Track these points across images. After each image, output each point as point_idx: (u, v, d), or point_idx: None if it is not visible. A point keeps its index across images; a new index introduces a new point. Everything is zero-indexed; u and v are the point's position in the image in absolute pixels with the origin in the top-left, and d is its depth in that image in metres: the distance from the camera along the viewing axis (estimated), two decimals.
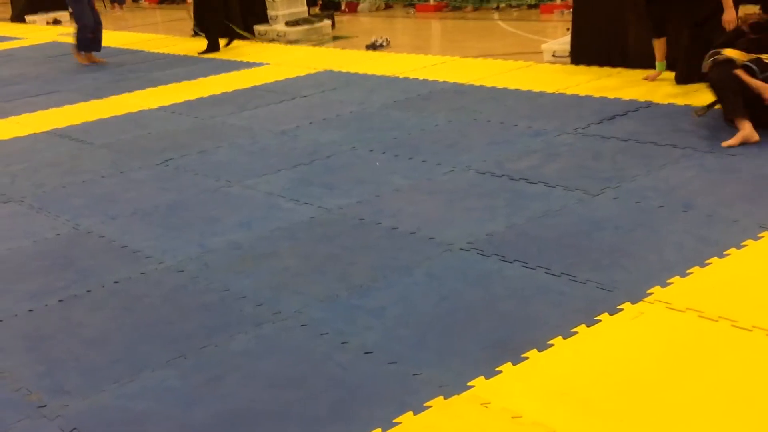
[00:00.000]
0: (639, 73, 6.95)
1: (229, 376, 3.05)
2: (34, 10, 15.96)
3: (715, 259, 3.59)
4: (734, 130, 5.13)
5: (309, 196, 4.87)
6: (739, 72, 5.17)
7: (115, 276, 4.01)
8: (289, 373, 3.03)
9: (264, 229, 4.43)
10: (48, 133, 7.08)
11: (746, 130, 5.03)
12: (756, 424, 2.52)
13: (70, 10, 10.14)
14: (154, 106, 7.73)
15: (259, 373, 3.05)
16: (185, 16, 10.45)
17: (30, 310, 3.74)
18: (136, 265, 4.11)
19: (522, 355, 2.98)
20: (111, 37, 11.80)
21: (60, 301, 3.81)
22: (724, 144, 5.02)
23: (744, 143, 5.01)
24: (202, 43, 10.58)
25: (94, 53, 10.36)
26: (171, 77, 9.04)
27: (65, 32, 13.97)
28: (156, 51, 10.32)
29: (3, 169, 6.06)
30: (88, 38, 10.14)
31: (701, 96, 6.02)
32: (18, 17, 16.18)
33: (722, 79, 5.24)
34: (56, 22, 15.64)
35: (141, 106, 7.76)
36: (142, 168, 5.80)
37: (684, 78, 6.39)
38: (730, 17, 5.90)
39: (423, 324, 3.28)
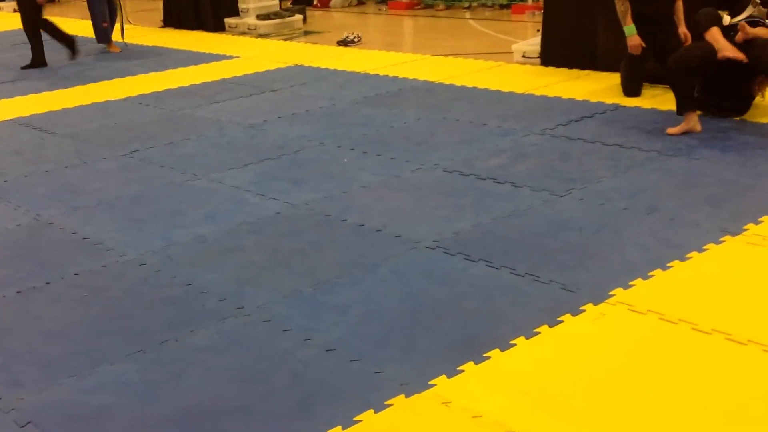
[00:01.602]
0: (607, 76, 7.00)
1: (190, 371, 3.02)
2: None
3: (677, 262, 3.62)
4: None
5: (276, 191, 4.84)
6: (714, 31, 5.27)
7: (76, 268, 3.95)
8: (251, 369, 3.01)
9: (229, 223, 4.39)
10: (11, 121, 6.96)
11: (691, 121, 5.39)
12: (715, 423, 2.54)
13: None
14: (121, 96, 7.63)
15: (220, 368, 3.02)
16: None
17: None
18: (97, 258, 4.06)
19: (484, 355, 2.98)
20: (78, 27, 11.64)
21: (18, 292, 3.75)
22: (669, 131, 5.39)
23: (687, 132, 5.37)
24: (175, 34, 10.45)
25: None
26: (139, 68, 8.94)
27: None
28: (124, 41, 10.19)
29: None
30: (103, 27, 9.94)
31: (667, 98, 6.09)
32: None
33: (679, 70, 5.39)
34: None
35: (107, 96, 7.66)
36: (107, 159, 5.72)
37: (631, 93, 6.40)
38: (683, 30, 6.04)
39: (387, 322, 3.27)
